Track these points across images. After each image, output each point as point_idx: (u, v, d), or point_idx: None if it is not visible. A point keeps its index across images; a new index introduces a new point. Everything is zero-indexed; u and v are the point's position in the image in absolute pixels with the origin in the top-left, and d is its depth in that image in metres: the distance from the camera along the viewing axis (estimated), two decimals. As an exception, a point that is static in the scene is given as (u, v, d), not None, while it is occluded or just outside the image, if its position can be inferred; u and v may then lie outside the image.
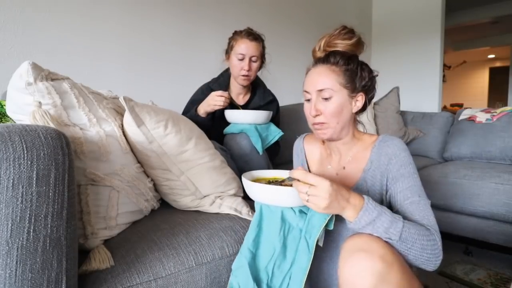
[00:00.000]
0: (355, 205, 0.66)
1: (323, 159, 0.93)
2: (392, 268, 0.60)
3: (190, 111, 1.39)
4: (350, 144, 0.86)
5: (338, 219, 0.82)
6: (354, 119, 0.86)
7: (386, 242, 0.65)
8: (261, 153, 1.26)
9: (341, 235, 0.81)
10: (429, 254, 0.67)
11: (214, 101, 1.28)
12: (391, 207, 0.77)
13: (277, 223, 0.73)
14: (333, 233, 0.82)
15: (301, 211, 0.74)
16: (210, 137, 1.12)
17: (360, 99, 0.82)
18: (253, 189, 0.72)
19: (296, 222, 0.73)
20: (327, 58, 0.81)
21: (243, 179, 0.75)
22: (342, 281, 0.63)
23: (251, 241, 0.73)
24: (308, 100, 0.83)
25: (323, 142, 0.94)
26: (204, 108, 1.32)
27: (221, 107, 1.29)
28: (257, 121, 1.31)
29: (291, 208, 0.73)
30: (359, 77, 0.81)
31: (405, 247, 0.66)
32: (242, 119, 1.31)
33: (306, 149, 0.98)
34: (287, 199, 0.70)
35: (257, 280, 0.72)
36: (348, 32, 0.83)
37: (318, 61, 0.83)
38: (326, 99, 0.79)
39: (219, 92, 1.29)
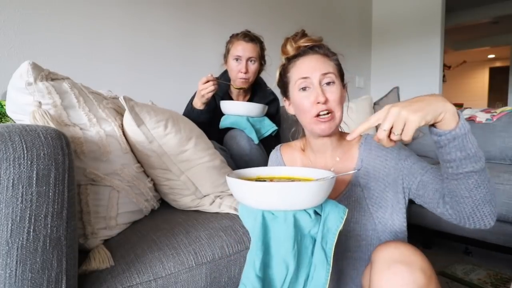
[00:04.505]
0: (450, 110, 0.54)
1: (306, 166, 0.88)
2: (431, 281, 0.56)
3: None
4: (336, 143, 0.83)
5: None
6: None
7: (422, 254, 0.59)
8: (256, 142, 1.26)
9: (345, 245, 0.77)
10: (494, 192, 0.60)
11: (204, 90, 1.23)
12: (404, 193, 0.75)
13: (289, 233, 0.57)
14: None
15: (316, 213, 0.60)
16: (210, 137, 1.12)
17: (345, 91, 0.81)
18: (257, 191, 0.55)
19: (310, 227, 0.59)
20: (314, 48, 0.78)
21: (235, 180, 0.58)
22: None
23: (258, 265, 0.56)
24: (305, 89, 0.76)
25: (303, 149, 0.89)
26: (199, 100, 1.28)
27: (213, 91, 1.24)
28: (250, 113, 1.30)
29: (305, 210, 0.58)
30: (342, 71, 0.81)
31: (485, 177, 0.58)
32: (234, 110, 1.30)
33: (286, 160, 0.90)
34: (310, 196, 0.55)
35: None
36: (307, 35, 0.82)
37: (307, 51, 0.78)
38: (329, 84, 0.75)
39: (204, 79, 1.23)
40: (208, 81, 1.22)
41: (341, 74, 0.80)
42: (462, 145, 0.55)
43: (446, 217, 0.67)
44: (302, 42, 0.79)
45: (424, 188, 0.70)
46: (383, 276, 0.57)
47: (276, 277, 0.58)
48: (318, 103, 0.73)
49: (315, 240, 0.60)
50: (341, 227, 0.60)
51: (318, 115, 0.74)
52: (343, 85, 0.81)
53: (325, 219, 0.60)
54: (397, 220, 0.76)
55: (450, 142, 0.55)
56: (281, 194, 0.54)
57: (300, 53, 0.79)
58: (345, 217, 0.61)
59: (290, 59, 0.81)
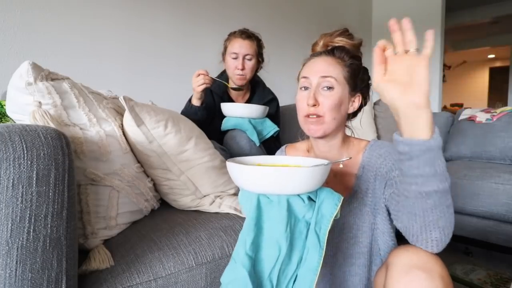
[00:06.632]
0: (430, 116, 0.50)
1: None
2: None
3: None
4: (340, 150, 0.81)
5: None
6: (345, 122, 0.82)
7: (440, 260, 0.58)
8: (257, 144, 1.26)
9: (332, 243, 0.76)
10: (452, 221, 0.57)
11: (195, 84, 1.26)
12: (388, 200, 0.73)
13: (282, 216, 0.58)
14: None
15: (309, 199, 0.61)
16: (210, 137, 1.12)
17: (357, 101, 0.80)
18: (252, 175, 0.58)
19: (304, 213, 0.60)
20: (332, 51, 0.78)
21: (233, 164, 0.60)
22: None
23: (249, 244, 0.58)
24: (305, 88, 0.77)
25: (308, 150, 0.88)
26: (194, 96, 1.31)
27: (204, 85, 1.26)
28: (251, 114, 1.31)
29: (298, 195, 0.60)
30: (360, 77, 0.79)
31: (445, 201, 0.55)
32: (235, 112, 1.31)
33: None
34: (301, 182, 0.57)
35: None
36: (349, 34, 0.81)
37: (322, 52, 0.79)
38: (327, 88, 0.74)
39: (196, 73, 1.26)
40: (199, 75, 1.24)
41: (351, 82, 0.77)
42: (433, 159, 0.51)
43: (401, 230, 0.65)
44: (335, 41, 0.79)
45: (391, 199, 0.69)
46: (400, 281, 0.55)
47: (269, 258, 0.60)
48: (308, 105, 0.74)
49: (310, 225, 0.62)
50: (336, 213, 0.60)
51: (308, 116, 0.76)
52: (354, 94, 0.79)
53: (320, 206, 0.61)
54: (386, 229, 0.76)
55: (423, 154, 0.51)
56: (272, 178, 0.56)
57: (318, 53, 0.80)
58: (340, 204, 0.61)
59: (310, 57, 0.81)
